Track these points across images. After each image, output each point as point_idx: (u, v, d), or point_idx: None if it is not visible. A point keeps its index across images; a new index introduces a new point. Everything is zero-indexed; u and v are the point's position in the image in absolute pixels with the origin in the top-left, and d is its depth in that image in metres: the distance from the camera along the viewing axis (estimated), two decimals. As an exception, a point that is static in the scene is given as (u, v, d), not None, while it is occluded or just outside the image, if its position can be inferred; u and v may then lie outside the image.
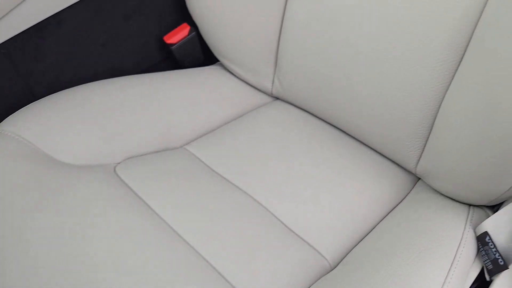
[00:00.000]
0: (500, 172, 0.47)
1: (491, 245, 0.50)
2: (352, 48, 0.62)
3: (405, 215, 0.58)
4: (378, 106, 0.62)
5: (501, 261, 0.48)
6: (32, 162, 0.58)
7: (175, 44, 0.76)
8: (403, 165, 0.64)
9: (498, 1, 0.48)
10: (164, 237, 0.53)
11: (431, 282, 0.47)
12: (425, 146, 0.60)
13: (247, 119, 0.73)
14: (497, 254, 0.49)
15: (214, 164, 0.65)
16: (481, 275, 0.51)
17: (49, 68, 0.68)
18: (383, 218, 0.60)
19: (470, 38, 0.51)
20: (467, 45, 0.52)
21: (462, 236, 0.51)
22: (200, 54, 0.81)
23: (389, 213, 0.61)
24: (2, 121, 0.62)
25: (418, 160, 0.62)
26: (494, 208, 0.57)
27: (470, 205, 0.57)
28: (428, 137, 0.59)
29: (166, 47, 0.77)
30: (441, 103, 0.55)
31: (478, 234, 0.52)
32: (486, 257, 0.50)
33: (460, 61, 0.53)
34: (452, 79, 0.53)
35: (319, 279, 0.53)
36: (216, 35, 0.74)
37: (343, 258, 0.56)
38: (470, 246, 0.51)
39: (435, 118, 0.57)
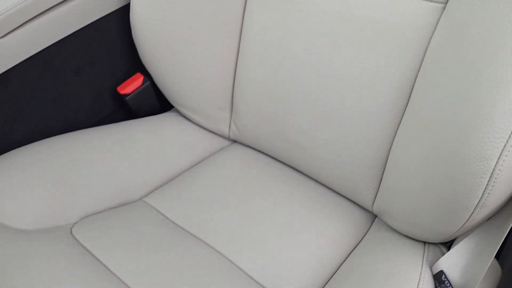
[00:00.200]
0: (447, 214, 0.49)
1: (447, 283, 0.52)
2: (305, 96, 0.63)
3: (364, 257, 0.59)
4: (333, 150, 0.63)
5: (457, 299, 0.50)
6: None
7: (129, 94, 0.75)
8: (361, 204, 0.66)
9: (431, 63, 0.51)
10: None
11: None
12: (379, 186, 0.62)
13: (206, 165, 0.73)
14: (453, 292, 0.50)
15: (174, 216, 0.64)
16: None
17: (-1, 127, 0.67)
18: (344, 260, 0.61)
19: (409, 96, 0.55)
20: (408, 101, 0.55)
21: (420, 277, 0.52)
22: (155, 103, 0.81)
23: (349, 254, 0.62)
24: None
25: (374, 199, 0.63)
26: (447, 244, 0.59)
27: (425, 242, 0.59)
28: (381, 178, 0.61)
29: (120, 97, 0.76)
30: (390, 148, 0.58)
31: (434, 272, 0.53)
32: (443, 296, 0.51)
33: (403, 115, 0.56)
34: (398, 129, 0.56)
35: None
36: (170, 84, 0.74)
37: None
38: (427, 286, 0.52)
39: (386, 161, 0.59)
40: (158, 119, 0.78)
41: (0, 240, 0.55)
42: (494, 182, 0.43)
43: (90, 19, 0.69)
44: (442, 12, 0.52)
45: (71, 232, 0.59)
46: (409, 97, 0.56)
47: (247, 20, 0.68)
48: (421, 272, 0.53)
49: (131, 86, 0.75)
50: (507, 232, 0.47)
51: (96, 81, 0.74)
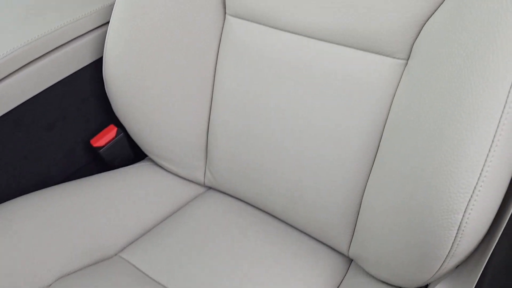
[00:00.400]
0: (419, 262, 0.50)
1: (424, 329, 0.53)
2: (276, 145, 0.65)
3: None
4: (307, 196, 0.65)
5: None
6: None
7: (102, 147, 0.75)
8: (337, 248, 0.67)
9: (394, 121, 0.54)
10: None
11: None
12: (354, 231, 0.63)
13: (181, 215, 0.73)
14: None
15: (150, 271, 0.64)
16: None
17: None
18: None
19: (378, 147, 0.57)
20: (376, 152, 0.57)
21: None
22: (129, 153, 0.81)
23: (328, 301, 0.63)
24: None
25: (350, 244, 0.65)
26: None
27: None
28: (355, 224, 0.63)
29: (94, 149, 0.76)
30: (363, 195, 0.60)
31: (411, 319, 0.55)
32: None
33: (372, 164, 0.58)
34: (368, 178, 0.58)
35: None
36: (143, 135, 0.75)
37: None
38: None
39: (359, 208, 0.61)
40: (132, 170, 0.78)
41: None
42: (462, 234, 0.45)
43: (62, 75, 0.69)
44: (404, 68, 0.56)
45: (45, 295, 0.58)
46: (377, 148, 0.58)
47: (219, 72, 0.70)
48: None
49: (105, 138, 0.75)
50: (482, 269, 0.48)
51: (69, 135, 0.74)
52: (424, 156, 0.47)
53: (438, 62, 0.49)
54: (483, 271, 0.46)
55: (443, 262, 0.48)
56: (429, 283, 0.58)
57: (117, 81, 0.70)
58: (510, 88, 0.41)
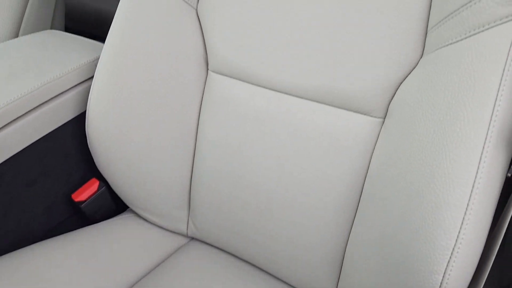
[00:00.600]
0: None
1: None
2: (258, 197, 0.66)
3: None
4: (290, 249, 0.65)
5: None
6: None
7: (84, 201, 0.75)
8: None
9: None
10: None
11: None
12: (338, 284, 0.64)
13: (164, 268, 0.72)
14: None
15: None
16: None
17: None
18: None
19: (358, 204, 0.59)
20: (357, 208, 0.59)
21: None
22: (111, 206, 0.80)
23: None
24: None
25: (334, 297, 0.65)
26: None
27: None
28: (339, 277, 0.63)
29: (75, 204, 0.75)
30: (345, 249, 0.61)
31: None
32: None
33: (353, 221, 0.60)
34: (350, 233, 0.60)
35: None
36: (126, 188, 0.75)
37: None
38: None
39: (342, 262, 0.62)
40: (114, 223, 0.77)
41: None
42: None
43: (45, 131, 0.69)
44: (382, 126, 0.58)
45: None
46: (358, 205, 0.60)
47: (201, 126, 0.71)
48: None
49: (87, 192, 0.75)
50: None
51: (50, 190, 0.73)
52: (403, 218, 0.49)
53: (413, 124, 0.51)
54: None
55: None
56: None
57: (100, 136, 0.71)
58: (481, 154, 0.44)
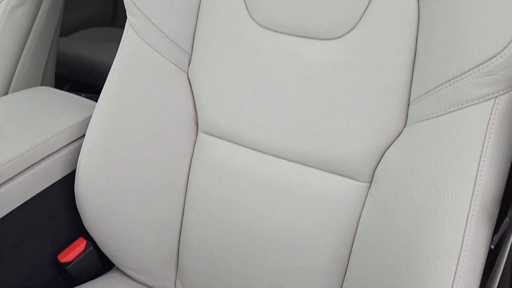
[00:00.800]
0: None
1: None
2: (246, 258, 0.66)
3: None
4: None
5: None
6: None
7: (70, 262, 0.74)
8: None
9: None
10: None
11: None
12: None
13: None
14: None
15: None
16: None
17: None
18: None
19: (348, 261, 0.59)
20: (347, 264, 0.59)
21: None
22: (98, 265, 0.79)
23: None
24: None
25: None
26: None
27: None
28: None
29: (61, 265, 0.74)
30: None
31: None
32: None
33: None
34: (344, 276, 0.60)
35: None
36: (114, 248, 0.74)
37: None
38: None
39: None
40: (101, 283, 0.76)
41: None
42: None
43: (33, 193, 0.69)
44: (368, 190, 0.59)
45: None
46: (348, 262, 0.60)
47: (191, 185, 0.72)
48: None
49: (73, 252, 0.74)
50: None
51: (36, 251, 0.72)
52: (389, 285, 0.49)
53: (398, 193, 0.52)
54: None
55: None
56: None
57: (89, 196, 0.71)
58: (466, 227, 0.45)
